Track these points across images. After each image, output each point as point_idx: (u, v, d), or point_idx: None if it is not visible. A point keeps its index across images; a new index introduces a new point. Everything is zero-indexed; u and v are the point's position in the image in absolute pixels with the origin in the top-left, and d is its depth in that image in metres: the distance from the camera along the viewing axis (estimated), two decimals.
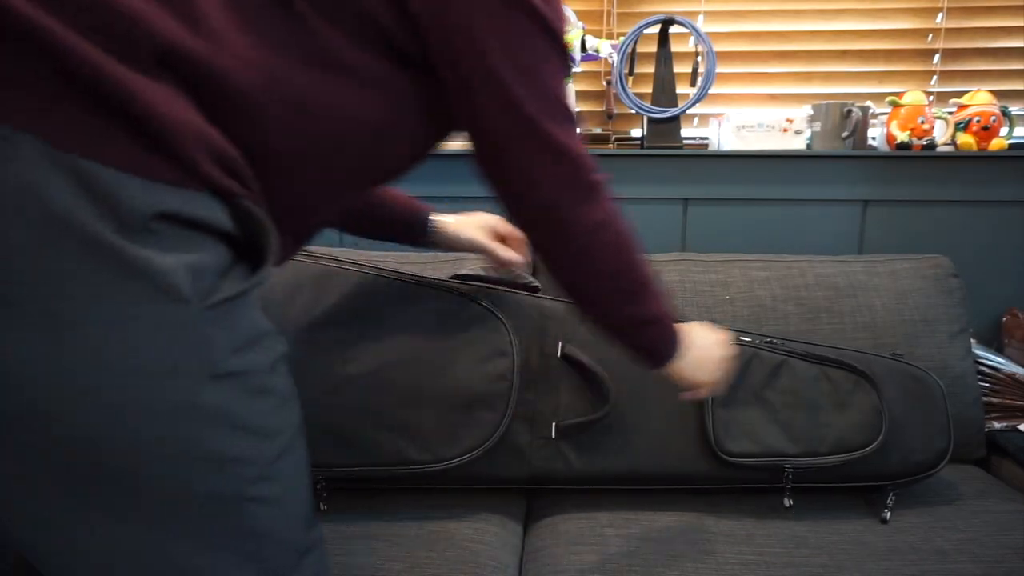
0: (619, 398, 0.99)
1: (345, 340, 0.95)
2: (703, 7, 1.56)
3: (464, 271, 1.06)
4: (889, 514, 0.95)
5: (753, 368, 0.99)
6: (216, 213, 0.48)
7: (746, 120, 1.40)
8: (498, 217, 0.98)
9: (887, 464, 0.98)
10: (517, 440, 0.98)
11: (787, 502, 0.96)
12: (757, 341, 1.02)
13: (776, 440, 0.97)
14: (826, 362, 1.01)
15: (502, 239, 0.99)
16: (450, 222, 0.96)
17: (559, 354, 1.00)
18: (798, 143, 1.41)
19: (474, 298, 1.00)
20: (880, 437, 0.97)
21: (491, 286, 1.03)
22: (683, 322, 0.77)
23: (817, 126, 1.41)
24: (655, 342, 0.73)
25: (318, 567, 0.55)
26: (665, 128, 1.43)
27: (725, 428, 0.97)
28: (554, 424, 0.98)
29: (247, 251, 0.51)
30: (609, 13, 1.57)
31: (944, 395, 1.02)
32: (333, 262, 1.01)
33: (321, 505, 0.95)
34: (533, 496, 1.07)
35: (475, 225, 0.97)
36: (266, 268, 0.51)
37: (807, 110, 1.44)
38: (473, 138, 0.63)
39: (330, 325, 0.96)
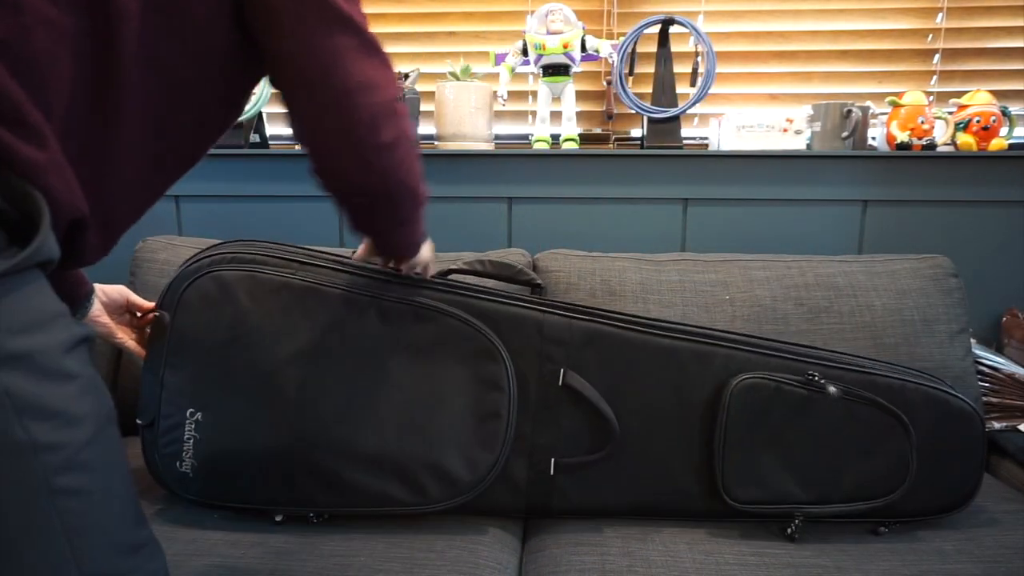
0: (624, 433, 0.93)
1: (325, 374, 0.89)
2: (703, 7, 1.56)
3: (460, 264, 1.02)
4: (886, 531, 0.93)
5: (774, 405, 0.92)
6: None
7: (746, 120, 1.40)
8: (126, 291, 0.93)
9: (906, 506, 0.94)
10: (513, 475, 0.94)
11: (791, 531, 0.91)
12: (781, 374, 0.92)
13: (788, 486, 0.91)
14: (858, 399, 0.92)
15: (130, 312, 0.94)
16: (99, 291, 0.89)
17: (560, 383, 0.94)
18: (798, 143, 1.41)
19: (469, 322, 0.92)
20: (902, 487, 0.91)
21: (489, 292, 1.00)
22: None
23: (817, 126, 1.41)
24: (420, 233, 0.82)
25: (149, 567, 0.52)
26: (665, 128, 1.43)
27: (735, 472, 0.91)
28: (553, 460, 0.94)
29: (24, 233, 0.47)
30: (609, 13, 1.57)
31: (983, 428, 0.94)
32: (321, 283, 0.91)
33: (324, 514, 0.92)
34: None
35: (114, 290, 0.92)
36: (36, 244, 0.47)
37: (807, 110, 1.44)
38: (272, 29, 0.62)
39: (308, 356, 0.89)
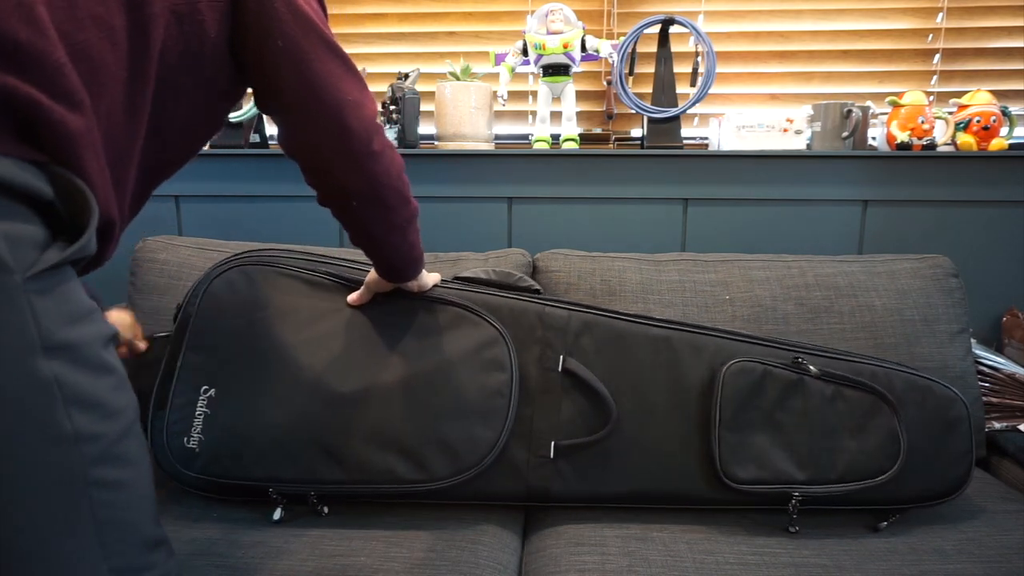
0: (622, 417, 0.96)
1: (337, 354, 0.94)
2: (703, 7, 1.56)
3: (465, 274, 1.05)
4: (885, 525, 0.94)
5: (765, 387, 0.95)
6: (32, 179, 0.46)
7: (746, 120, 1.40)
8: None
9: (902, 490, 0.95)
10: (514, 458, 0.95)
11: (792, 529, 0.92)
12: (771, 360, 0.96)
13: (784, 465, 0.93)
14: (844, 381, 0.95)
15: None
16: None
17: (560, 368, 0.98)
18: (798, 143, 1.41)
19: (473, 309, 0.98)
20: (896, 465, 0.93)
21: (492, 289, 1.02)
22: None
23: (817, 126, 1.41)
24: (417, 248, 0.87)
25: (167, 565, 0.53)
26: (665, 128, 1.43)
27: (732, 452, 0.93)
28: (553, 443, 0.96)
29: (68, 227, 0.49)
30: (609, 13, 1.57)
31: (970, 415, 0.97)
32: (325, 277, 1.00)
33: (324, 509, 0.94)
34: None
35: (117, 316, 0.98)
36: (85, 238, 0.48)
37: (807, 110, 1.44)
38: (284, 77, 0.67)
39: (322, 339, 0.95)
